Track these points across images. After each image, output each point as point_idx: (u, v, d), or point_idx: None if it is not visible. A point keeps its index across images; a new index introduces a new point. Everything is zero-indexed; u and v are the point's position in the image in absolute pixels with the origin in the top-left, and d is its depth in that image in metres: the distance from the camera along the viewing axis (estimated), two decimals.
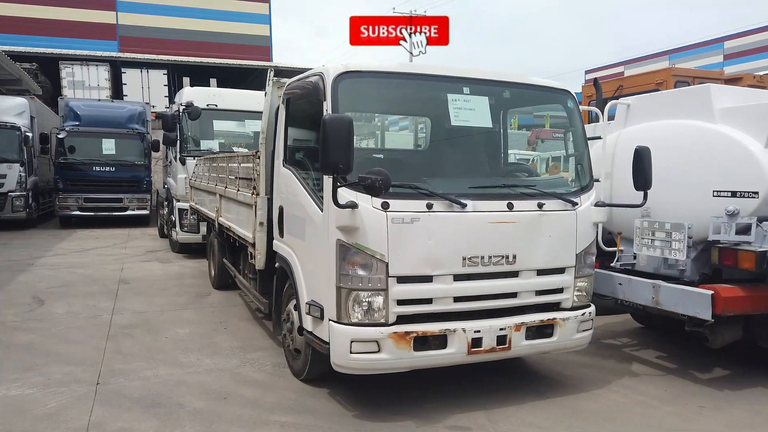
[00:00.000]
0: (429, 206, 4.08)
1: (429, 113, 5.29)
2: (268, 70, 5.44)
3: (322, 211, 4.20)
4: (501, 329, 4.32)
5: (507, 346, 4.36)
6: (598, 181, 5.76)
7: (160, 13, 31.28)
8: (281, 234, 5.08)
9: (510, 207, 4.35)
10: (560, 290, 4.63)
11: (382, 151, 5.17)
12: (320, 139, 3.66)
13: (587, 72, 40.84)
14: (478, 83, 4.59)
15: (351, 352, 4.01)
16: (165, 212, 13.69)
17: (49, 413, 4.24)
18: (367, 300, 4.01)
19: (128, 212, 17.03)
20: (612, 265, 5.74)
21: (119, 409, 4.34)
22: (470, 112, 4.50)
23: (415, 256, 4.07)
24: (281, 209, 5.06)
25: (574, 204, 4.62)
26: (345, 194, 3.92)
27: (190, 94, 11.82)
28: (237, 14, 32.42)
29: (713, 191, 4.92)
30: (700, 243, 5.06)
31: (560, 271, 4.60)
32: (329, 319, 4.12)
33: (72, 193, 16.48)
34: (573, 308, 4.67)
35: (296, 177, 4.73)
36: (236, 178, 6.61)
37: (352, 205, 3.87)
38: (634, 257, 5.68)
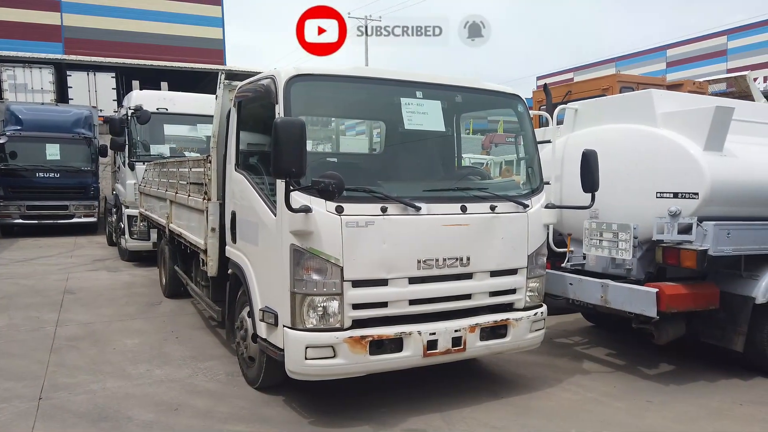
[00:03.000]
0: (383, 210, 4.08)
1: (383, 117, 5.29)
2: (220, 73, 5.34)
3: (275, 215, 4.15)
4: (456, 331, 4.36)
5: (462, 347, 4.39)
6: (548, 183, 5.89)
7: (108, 15, 30.34)
8: (234, 240, 4.99)
9: (463, 210, 4.40)
10: (513, 291, 4.70)
11: (338, 155, 5.13)
12: (272, 142, 3.62)
13: (538, 78, 41.68)
14: (431, 87, 4.62)
15: (306, 358, 3.97)
16: (114, 219, 13.29)
17: None
18: (322, 305, 3.98)
19: (74, 220, 16.42)
20: (563, 265, 5.86)
21: (63, 425, 4.18)
22: (423, 116, 4.53)
23: (370, 259, 4.06)
24: (234, 214, 4.97)
25: (525, 206, 4.70)
26: (299, 198, 3.88)
27: (139, 97, 11.51)
28: (189, 17, 31.75)
29: (656, 193, 5.08)
30: (645, 243, 5.22)
31: (513, 272, 4.67)
32: (284, 326, 4.07)
33: (14, 201, 15.81)
34: (525, 308, 4.75)
35: (249, 182, 4.65)
36: (187, 183, 6.47)
37: (306, 210, 3.84)
38: (584, 258, 5.82)
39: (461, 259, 4.37)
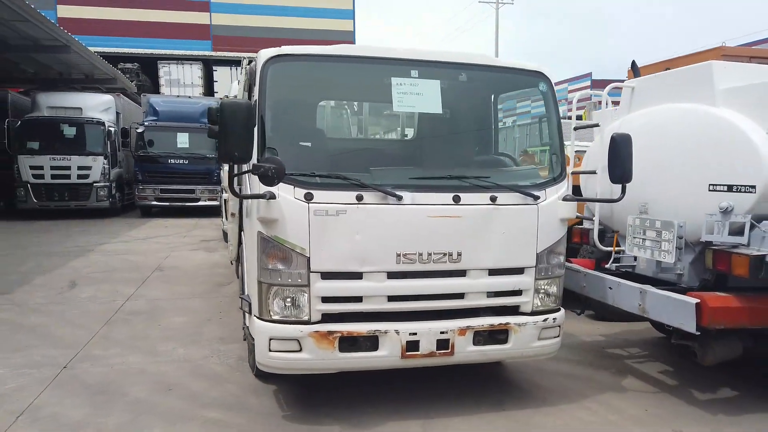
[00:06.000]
0: (359, 198, 3.81)
1: (375, 98, 4.97)
2: (242, 59, 5.35)
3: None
4: (442, 332, 3.98)
5: (449, 351, 4.00)
6: (594, 173, 5.22)
7: (250, 13, 32.46)
8: (242, 227, 5.00)
9: (456, 200, 3.98)
10: (518, 292, 4.19)
11: (325, 140, 4.88)
12: (218, 124, 3.52)
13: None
14: (430, 66, 4.22)
15: (270, 350, 3.85)
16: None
17: (0, 394, 4.42)
18: (287, 296, 3.82)
19: (200, 203, 17.85)
20: (607, 266, 5.15)
21: (66, 394, 4.45)
22: (417, 96, 4.15)
23: (341, 251, 3.82)
24: (241, 201, 4.97)
25: (536, 198, 4.15)
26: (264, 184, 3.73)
27: (235, 88, 12.07)
28: (322, 10, 32.97)
29: (709, 185, 4.25)
30: (697, 244, 4.40)
31: (518, 271, 4.16)
32: (254, 315, 3.98)
33: (150, 184, 17.53)
34: (534, 312, 4.22)
35: None
36: None
37: (258, 196, 3.69)
38: (635, 259, 5.07)
39: (450, 255, 3.97)
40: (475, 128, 4.88)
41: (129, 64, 27.41)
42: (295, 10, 32.75)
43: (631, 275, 5.04)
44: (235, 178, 3.64)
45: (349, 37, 33.05)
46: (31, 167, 16.35)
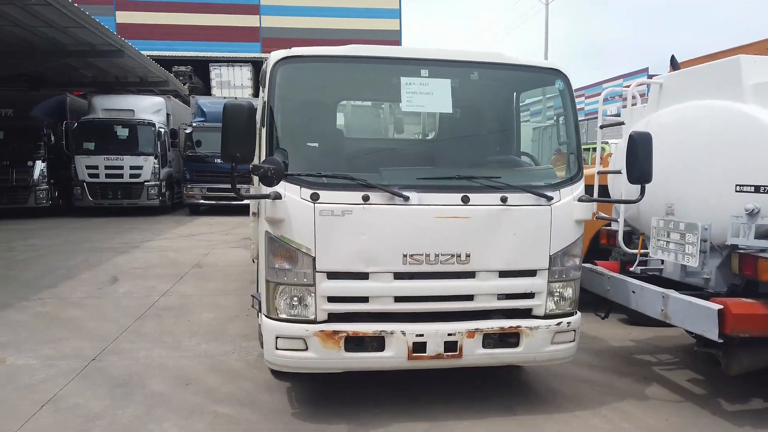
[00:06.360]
0: (365, 198, 3.80)
1: (385, 98, 4.93)
2: (264, 61, 5.42)
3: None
4: (450, 334, 3.93)
5: (458, 353, 3.95)
6: (619, 172, 5.04)
7: (298, 14, 32.96)
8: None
9: (465, 200, 3.92)
10: (531, 295, 4.09)
11: (337, 139, 4.85)
12: (222, 125, 3.58)
13: None
14: (440, 65, 4.17)
15: (277, 348, 3.89)
16: None
17: (28, 384, 4.63)
18: (293, 295, 3.85)
19: (245, 201, 18.11)
20: (632, 269, 4.96)
21: (89, 386, 4.62)
22: (426, 96, 4.10)
23: (347, 251, 3.82)
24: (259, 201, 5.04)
25: (549, 198, 4.03)
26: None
27: None
28: (369, 10, 33.16)
29: (736, 185, 4.03)
30: (724, 248, 4.19)
31: (530, 273, 4.06)
32: (263, 313, 4.03)
33: (197, 183, 18.04)
34: (548, 316, 4.11)
35: None
36: None
37: (263, 196, 3.74)
38: (662, 262, 4.87)
39: (459, 256, 3.91)
40: (492, 128, 4.79)
41: (183, 67, 28.32)
42: (342, 11, 33.05)
43: (659, 279, 4.85)
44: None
45: (395, 37, 33.10)
46: (87, 167, 17.12)
